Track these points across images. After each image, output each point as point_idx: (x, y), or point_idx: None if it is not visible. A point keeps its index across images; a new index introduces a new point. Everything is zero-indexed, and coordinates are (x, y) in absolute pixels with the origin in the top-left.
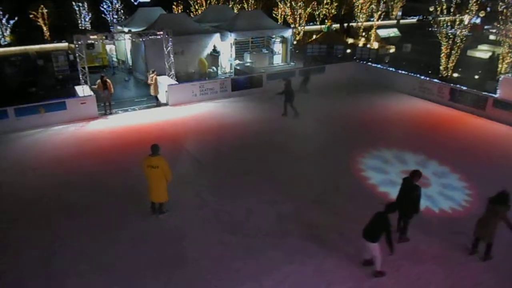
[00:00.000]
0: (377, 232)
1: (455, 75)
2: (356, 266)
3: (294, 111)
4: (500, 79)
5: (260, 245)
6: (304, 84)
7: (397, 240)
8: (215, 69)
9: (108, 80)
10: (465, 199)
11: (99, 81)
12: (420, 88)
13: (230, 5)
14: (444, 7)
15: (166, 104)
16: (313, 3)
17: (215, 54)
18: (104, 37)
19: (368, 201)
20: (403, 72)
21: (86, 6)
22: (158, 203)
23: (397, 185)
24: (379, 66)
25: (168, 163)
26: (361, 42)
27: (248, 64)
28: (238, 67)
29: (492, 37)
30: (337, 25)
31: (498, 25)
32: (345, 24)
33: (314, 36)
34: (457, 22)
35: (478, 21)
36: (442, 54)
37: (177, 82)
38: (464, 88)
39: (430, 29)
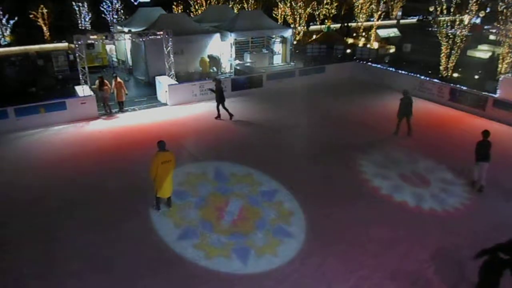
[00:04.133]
0: (488, 154)
1: (455, 75)
2: (356, 266)
3: (228, 113)
4: (500, 79)
5: (260, 245)
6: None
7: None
8: (215, 69)
9: (106, 81)
10: (465, 198)
11: (97, 81)
12: (420, 88)
13: (230, 5)
14: (444, 7)
15: (165, 104)
16: (313, 3)
17: (214, 57)
18: (104, 37)
19: (368, 201)
20: (403, 72)
21: (86, 6)
22: (166, 198)
23: (397, 185)
24: (379, 66)
25: None
26: (361, 42)
27: (248, 64)
28: (238, 67)
29: (492, 37)
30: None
31: (498, 25)
32: (345, 24)
33: (314, 36)
34: (457, 22)
35: (478, 21)
36: (442, 54)
37: (177, 82)
38: (464, 88)
39: (430, 29)
